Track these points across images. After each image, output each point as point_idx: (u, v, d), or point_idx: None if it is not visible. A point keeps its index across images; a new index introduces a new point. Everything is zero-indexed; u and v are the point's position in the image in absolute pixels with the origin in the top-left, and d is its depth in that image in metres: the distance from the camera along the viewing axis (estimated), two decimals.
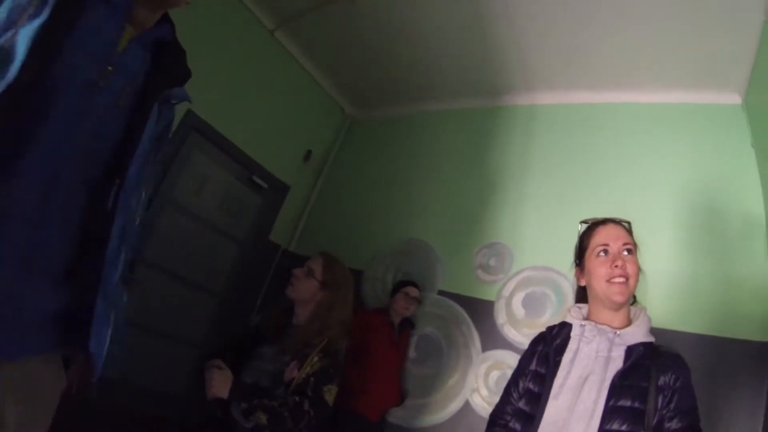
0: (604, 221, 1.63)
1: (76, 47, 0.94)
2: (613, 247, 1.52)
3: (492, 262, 3.36)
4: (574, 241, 3.00)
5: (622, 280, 1.47)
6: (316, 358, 2.06)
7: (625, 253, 1.51)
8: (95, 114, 1.00)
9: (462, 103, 4.18)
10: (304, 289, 2.28)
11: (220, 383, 1.95)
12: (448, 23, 3.36)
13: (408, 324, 3.36)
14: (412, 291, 3.30)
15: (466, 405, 2.99)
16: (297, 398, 1.95)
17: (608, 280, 1.48)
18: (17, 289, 0.90)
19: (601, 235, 1.58)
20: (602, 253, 1.54)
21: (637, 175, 3.12)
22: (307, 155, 4.43)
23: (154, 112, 1.12)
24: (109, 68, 1.01)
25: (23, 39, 0.86)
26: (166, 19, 1.18)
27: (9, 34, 0.85)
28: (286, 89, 4.19)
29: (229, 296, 3.85)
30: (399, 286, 3.35)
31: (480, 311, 3.21)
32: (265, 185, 4.05)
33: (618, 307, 1.49)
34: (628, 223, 1.63)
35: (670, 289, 2.66)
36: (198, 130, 3.47)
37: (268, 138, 4.05)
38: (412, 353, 3.31)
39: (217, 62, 3.47)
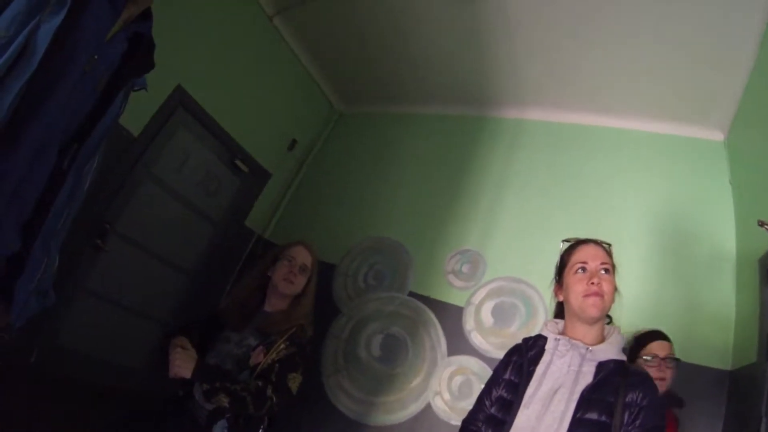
0: (585, 241, 1.69)
1: (77, 40, 1.07)
2: (591, 266, 1.58)
3: (464, 269, 3.39)
4: (547, 255, 3.03)
5: (597, 296, 1.52)
6: (282, 346, 2.07)
7: (603, 272, 1.57)
8: (81, 96, 1.15)
9: (450, 109, 4.21)
10: (301, 285, 2.30)
11: (184, 363, 1.94)
12: (446, 28, 3.37)
13: (671, 400, 2.12)
14: (662, 348, 2.16)
15: (428, 407, 3.01)
16: (260, 383, 1.95)
17: (584, 296, 1.54)
18: None
19: (581, 253, 1.64)
20: (580, 270, 1.60)
21: (615, 198, 3.19)
22: (292, 144, 4.41)
23: (121, 96, 1.27)
24: (95, 57, 1.14)
25: (44, 35, 1.00)
26: (147, 12, 1.30)
27: (30, 27, 0.97)
28: (277, 77, 4.15)
29: (199, 276, 3.80)
30: (641, 341, 2.24)
31: (448, 316, 3.24)
32: (246, 169, 4.02)
33: (592, 321, 1.54)
34: (609, 245, 1.68)
35: (634, 310, 2.71)
36: (185, 106, 3.42)
37: (254, 123, 4.01)
38: (376, 351, 3.31)
39: (212, 41, 3.43)
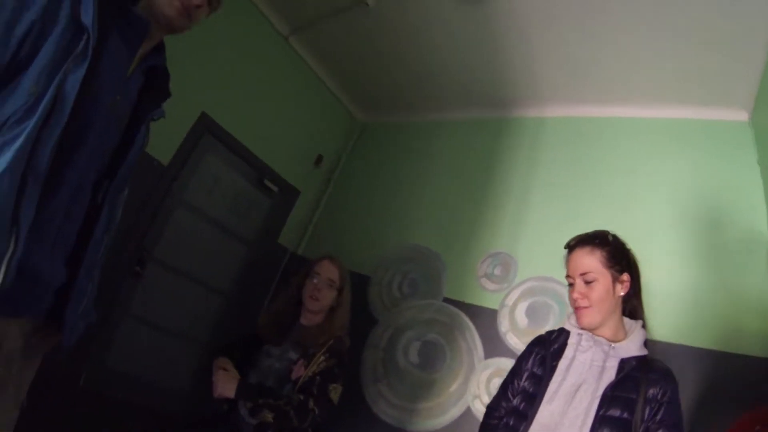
0: (570, 248, 1.71)
1: (101, 86, 1.11)
2: (574, 279, 1.63)
3: (496, 271, 3.39)
4: None
5: (582, 310, 1.57)
6: (322, 358, 2.12)
7: (587, 281, 1.59)
8: (108, 136, 1.19)
9: (471, 113, 4.22)
10: (328, 299, 2.36)
11: (226, 384, 2.02)
12: (460, 34, 3.40)
13: None
14: None
15: (467, 411, 3.02)
16: (302, 397, 2.00)
17: (574, 308, 1.60)
18: (46, 265, 1.10)
19: (568, 266, 1.68)
20: (569, 283, 1.66)
21: (641, 189, 3.15)
22: (318, 160, 4.48)
23: (144, 128, 1.32)
24: (118, 97, 1.18)
25: (72, 86, 1.01)
26: (160, 44, 1.33)
27: (57, 80, 0.99)
28: (298, 95, 4.24)
29: (236, 297, 3.89)
30: None
31: (483, 319, 3.24)
32: (275, 189, 4.10)
33: (588, 329, 1.58)
34: (600, 238, 1.67)
35: (672, 303, 2.66)
36: (211, 132, 3.53)
37: (279, 142, 4.10)
38: (414, 358, 3.33)
39: (231, 67, 3.54)
